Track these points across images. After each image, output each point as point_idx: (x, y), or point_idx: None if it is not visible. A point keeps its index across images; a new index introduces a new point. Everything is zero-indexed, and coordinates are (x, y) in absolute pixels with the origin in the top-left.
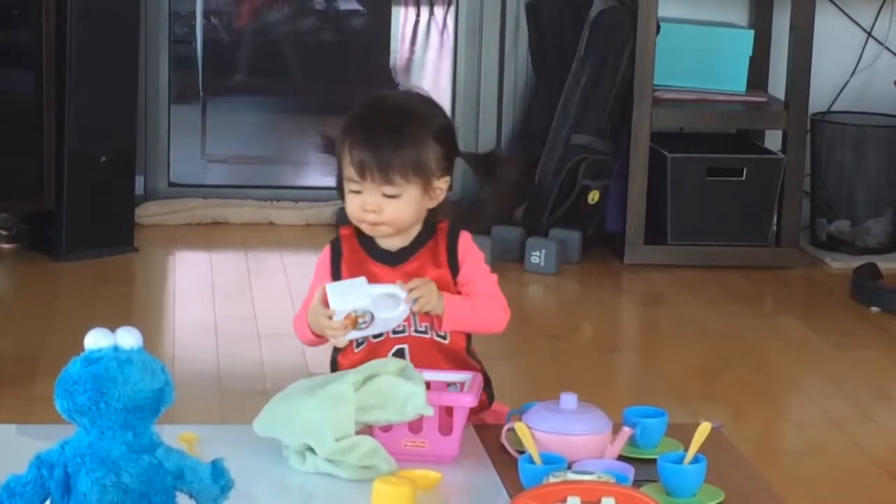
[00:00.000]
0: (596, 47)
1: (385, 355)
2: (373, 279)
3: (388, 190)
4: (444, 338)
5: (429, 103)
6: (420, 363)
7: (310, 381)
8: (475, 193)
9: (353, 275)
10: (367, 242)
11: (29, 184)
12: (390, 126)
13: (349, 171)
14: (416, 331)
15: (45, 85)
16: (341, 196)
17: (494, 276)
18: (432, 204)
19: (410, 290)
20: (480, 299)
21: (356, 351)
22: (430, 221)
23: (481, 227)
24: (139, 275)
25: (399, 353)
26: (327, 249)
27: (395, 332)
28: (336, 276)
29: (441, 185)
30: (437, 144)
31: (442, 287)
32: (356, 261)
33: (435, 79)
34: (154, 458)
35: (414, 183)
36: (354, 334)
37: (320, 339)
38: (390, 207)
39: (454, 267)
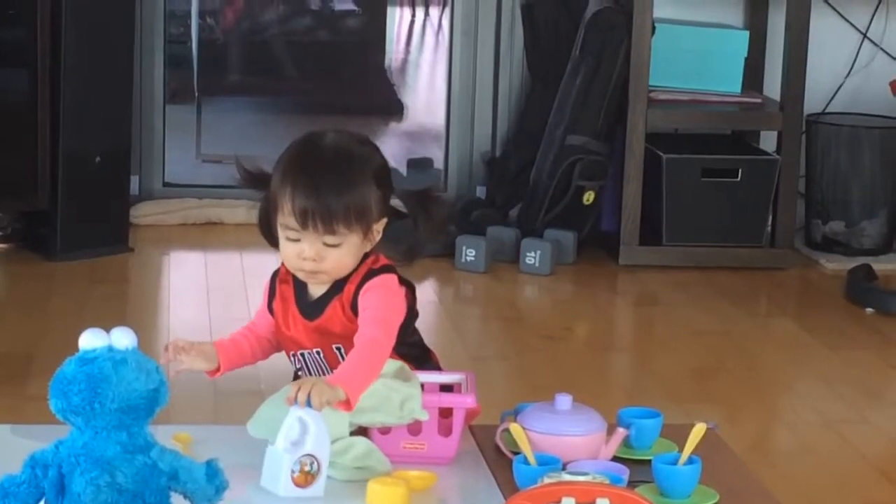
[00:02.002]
0: (591, 48)
1: None
2: (294, 328)
3: (330, 239)
4: None
5: (365, 143)
6: None
7: None
8: (408, 230)
9: (283, 321)
10: (298, 285)
11: (23, 183)
12: (332, 171)
13: (288, 220)
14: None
15: (40, 84)
16: (266, 237)
17: (389, 316)
18: (369, 247)
19: (297, 395)
20: (366, 352)
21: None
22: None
23: (413, 263)
24: (134, 275)
25: None
26: (266, 285)
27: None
28: (269, 311)
29: (379, 227)
30: (377, 187)
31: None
32: (285, 303)
33: (430, 79)
34: (148, 459)
35: (355, 231)
36: (319, 485)
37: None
38: (331, 256)
39: (357, 315)
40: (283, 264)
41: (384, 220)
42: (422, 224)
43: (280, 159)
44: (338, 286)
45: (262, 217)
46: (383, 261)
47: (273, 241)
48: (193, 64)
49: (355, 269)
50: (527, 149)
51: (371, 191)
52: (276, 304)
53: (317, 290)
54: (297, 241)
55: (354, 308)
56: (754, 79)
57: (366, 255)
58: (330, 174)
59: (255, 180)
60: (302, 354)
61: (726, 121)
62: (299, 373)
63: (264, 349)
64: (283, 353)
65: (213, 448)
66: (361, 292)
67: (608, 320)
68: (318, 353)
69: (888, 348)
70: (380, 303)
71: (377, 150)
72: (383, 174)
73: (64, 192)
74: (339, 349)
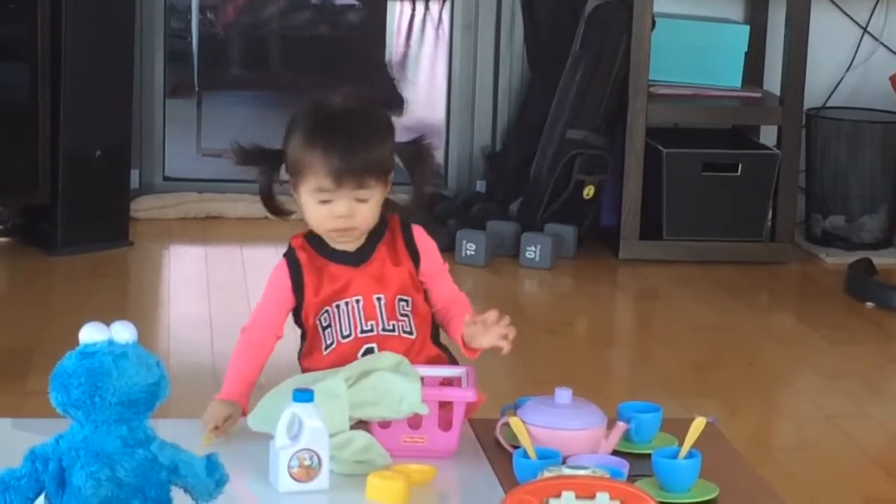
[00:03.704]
0: (591, 42)
1: (354, 356)
2: (336, 281)
3: (362, 194)
4: (411, 333)
5: (369, 100)
6: None
7: (304, 376)
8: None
9: (318, 282)
10: (322, 247)
11: (24, 178)
12: (357, 128)
13: (321, 182)
14: (383, 329)
15: (41, 79)
16: (271, 209)
17: (447, 266)
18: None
19: (501, 319)
20: (465, 302)
21: (325, 353)
22: (382, 216)
23: (415, 218)
24: (134, 269)
25: (368, 353)
26: (283, 264)
27: (363, 331)
28: (298, 288)
29: (391, 178)
30: (391, 139)
31: (404, 283)
32: (316, 267)
33: (430, 74)
34: (149, 453)
35: (381, 183)
36: (322, 479)
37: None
38: (362, 211)
39: (416, 259)
40: (291, 241)
41: (393, 172)
42: (419, 172)
43: (294, 129)
44: (376, 237)
45: (266, 191)
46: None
47: (278, 212)
48: (194, 58)
49: (383, 225)
50: (527, 143)
51: (389, 143)
52: (307, 274)
53: (349, 243)
54: (329, 202)
55: (410, 246)
56: (754, 73)
57: (385, 212)
58: (356, 132)
59: (252, 156)
60: (337, 306)
61: (726, 115)
62: (326, 331)
63: (267, 352)
64: (283, 348)
65: (214, 442)
66: (416, 237)
67: (608, 315)
68: (356, 301)
69: (888, 342)
70: (446, 273)
71: (378, 104)
72: (392, 127)
73: (64, 187)
74: (378, 299)
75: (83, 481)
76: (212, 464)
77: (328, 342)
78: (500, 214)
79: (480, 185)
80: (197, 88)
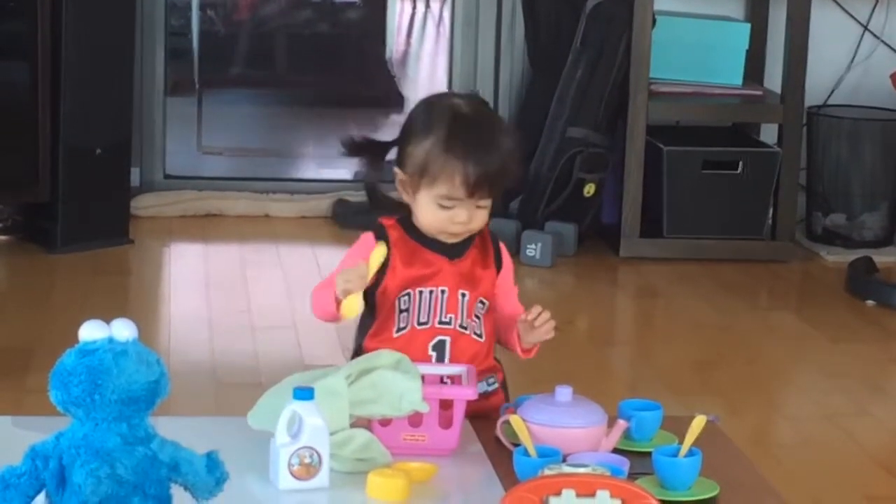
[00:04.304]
0: (592, 40)
1: (425, 345)
2: (428, 266)
3: (484, 202)
4: (480, 336)
5: (483, 102)
6: (456, 357)
7: (304, 374)
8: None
9: (408, 261)
10: (415, 232)
11: (24, 175)
12: (493, 143)
13: (453, 192)
14: (460, 325)
15: (41, 77)
16: (373, 201)
17: (517, 289)
18: None
19: (540, 316)
20: None
21: (395, 336)
22: None
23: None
24: (134, 267)
25: (439, 345)
26: (370, 239)
27: (441, 321)
28: (382, 266)
29: None
30: (514, 146)
31: (488, 287)
32: (409, 249)
33: (431, 71)
34: (149, 450)
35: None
36: (322, 476)
37: (335, 315)
38: (479, 216)
39: (499, 267)
40: (382, 220)
41: None
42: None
43: (426, 130)
44: (470, 237)
45: (373, 184)
46: None
47: (381, 205)
48: (194, 56)
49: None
50: (528, 141)
51: (514, 152)
52: (396, 252)
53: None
54: (451, 207)
55: (497, 255)
56: (755, 71)
57: None
58: (493, 145)
59: (363, 149)
60: (420, 292)
61: (727, 113)
62: (402, 314)
63: None
64: (284, 345)
65: (214, 440)
66: (502, 247)
67: (609, 313)
68: (442, 291)
69: (889, 341)
70: (515, 292)
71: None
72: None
73: (65, 185)
74: (463, 295)
75: (83, 479)
76: (212, 461)
77: (401, 325)
78: (501, 212)
79: None
80: (197, 86)
